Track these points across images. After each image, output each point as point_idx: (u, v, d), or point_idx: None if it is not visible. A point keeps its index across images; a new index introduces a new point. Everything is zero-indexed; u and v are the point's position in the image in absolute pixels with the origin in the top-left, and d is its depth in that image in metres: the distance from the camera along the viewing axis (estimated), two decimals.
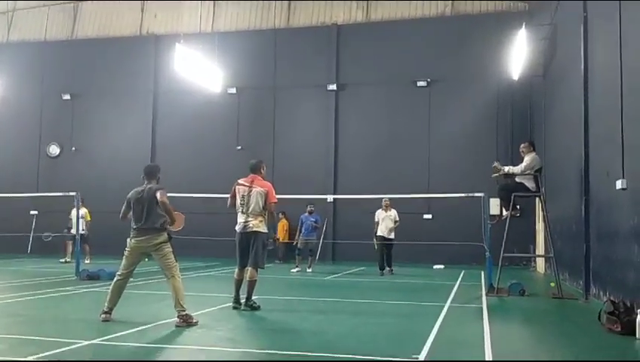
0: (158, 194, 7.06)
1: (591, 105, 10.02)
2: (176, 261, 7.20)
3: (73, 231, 17.03)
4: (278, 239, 15.31)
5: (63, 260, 17.26)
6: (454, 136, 19.69)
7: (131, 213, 7.23)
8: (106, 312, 7.06)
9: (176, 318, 6.87)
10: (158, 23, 23.22)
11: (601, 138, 9.32)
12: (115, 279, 7.30)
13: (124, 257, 7.30)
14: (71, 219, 17.18)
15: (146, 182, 7.36)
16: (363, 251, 16.74)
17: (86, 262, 16.91)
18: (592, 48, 10.05)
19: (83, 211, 17.26)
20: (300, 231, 16.14)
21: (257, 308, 8.20)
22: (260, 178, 8.44)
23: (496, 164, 10.99)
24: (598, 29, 9.68)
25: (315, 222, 16.28)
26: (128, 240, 7.25)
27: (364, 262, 17.43)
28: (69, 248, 17.57)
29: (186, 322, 6.81)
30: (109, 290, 7.24)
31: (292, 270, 15.76)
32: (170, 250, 7.15)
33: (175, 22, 22.79)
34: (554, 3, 13.86)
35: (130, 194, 7.31)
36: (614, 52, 8.17)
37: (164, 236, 7.12)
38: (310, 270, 15.77)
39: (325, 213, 19.96)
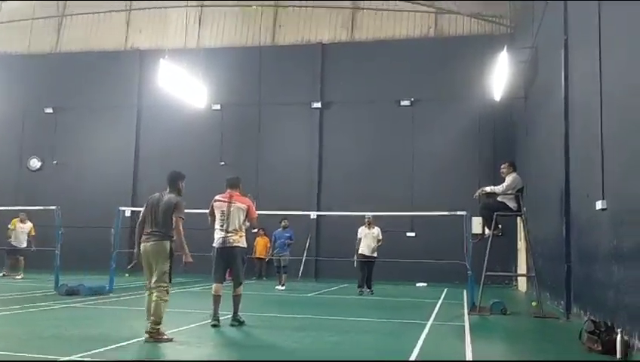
0: (175, 219, 6.97)
1: (571, 126, 10.17)
2: (170, 281, 6.98)
3: (14, 243, 17.11)
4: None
5: (1, 274, 17.07)
6: (437, 155, 19.85)
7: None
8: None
9: (145, 333, 6.75)
10: (142, 38, 23.20)
11: (582, 159, 9.45)
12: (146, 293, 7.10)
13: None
14: (11, 230, 17.33)
15: (168, 189, 7.26)
16: (346, 268, 16.70)
17: (17, 277, 16.73)
18: (572, 71, 10.23)
19: (28, 225, 17.30)
20: (274, 248, 16.02)
21: (243, 323, 8.22)
22: (238, 194, 8.45)
23: (480, 190, 11.11)
24: (579, 52, 9.87)
25: (290, 238, 16.06)
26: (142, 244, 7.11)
27: (347, 279, 17.36)
28: (13, 262, 17.52)
29: (155, 338, 6.69)
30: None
31: (276, 287, 15.61)
32: (167, 268, 6.93)
33: (160, 37, 22.77)
34: (535, 25, 14.11)
35: (149, 198, 7.25)
36: (594, 75, 8.32)
37: (167, 247, 6.94)
38: (283, 287, 15.45)
39: (308, 230, 19.93)
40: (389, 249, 16.10)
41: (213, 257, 8.30)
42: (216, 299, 8.17)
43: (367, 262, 14.57)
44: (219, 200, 8.38)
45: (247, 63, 21.68)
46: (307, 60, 21.38)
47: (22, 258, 17.37)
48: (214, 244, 8.28)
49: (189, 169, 21.27)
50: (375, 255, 14.67)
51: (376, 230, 14.72)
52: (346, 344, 7.21)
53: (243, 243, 8.32)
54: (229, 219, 8.20)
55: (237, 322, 8.20)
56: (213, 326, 8.00)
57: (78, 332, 7.57)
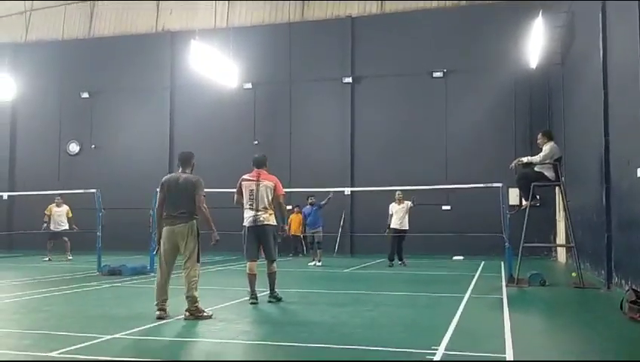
0: (197, 198, 7.00)
1: (610, 92, 9.88)
2: (199, 261, 7.11)
3: (53, 228, 17.61)
4: (286, 230, 14.61)
5: (47, 259, 17.53)
6: (472, 127, 19.53)
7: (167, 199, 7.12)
8: (159, 309, 7.00)
9: (185, 311, 6.94)
10: (173, 20, 23.32)
11: (622, 126, 9.19)
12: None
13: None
14: (48, 216, 17.78)
15: (180, 170, 7.33)
16: (381, 244, 16.72)
17: (69, 258, 17.25)
18: (610, 35, 9.90)
19: (65, 208, 17.75)
20: (305, 225, 16.30)
21: (280, 299, 8.37)
22: (265, 172, 8.51)
23: (516, 161, 10.94)
24: (617, 15, 9.53)
25: (319, 206, 16.08)
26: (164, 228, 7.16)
27: (382, 254, 17.37)
28: (59, 245, 18.00)
29: (195, 316, 6.87)
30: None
31: (309, 264, 15.77)
32: (196, 247, 7.06)
33: (190, 18, 22.85)
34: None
35: (164, 179, 7.25)
36: (634, 38, 8.04)
37: (195, 226, 7.04)
38: (319, 263, 15.63)
39: (343, 206, 19.95)
40: (425, 222, 16.10)
41: (244, 236, 8.36)
42: (252, 277, 8.27)
43: (399, 236, 15.25)
44: (247, 180, 8.42)
45: (276, 40, 21.62)
46: (337, 35, 21.18)
47: (66, 239, 17.90)
48: (245, 223, 8.35)
49: (223, 149, 21.66)
50: (406, 228, 15.29)
51: (406, 204, 15.32)
52: (383, 318, 7.24)
53: (273, 221, 8.39)
54: (258, 198, 8.27)
55: (274, 298, 8.34)
56: (252, 303, 8.10)
57: (122, 310, 7.80)
